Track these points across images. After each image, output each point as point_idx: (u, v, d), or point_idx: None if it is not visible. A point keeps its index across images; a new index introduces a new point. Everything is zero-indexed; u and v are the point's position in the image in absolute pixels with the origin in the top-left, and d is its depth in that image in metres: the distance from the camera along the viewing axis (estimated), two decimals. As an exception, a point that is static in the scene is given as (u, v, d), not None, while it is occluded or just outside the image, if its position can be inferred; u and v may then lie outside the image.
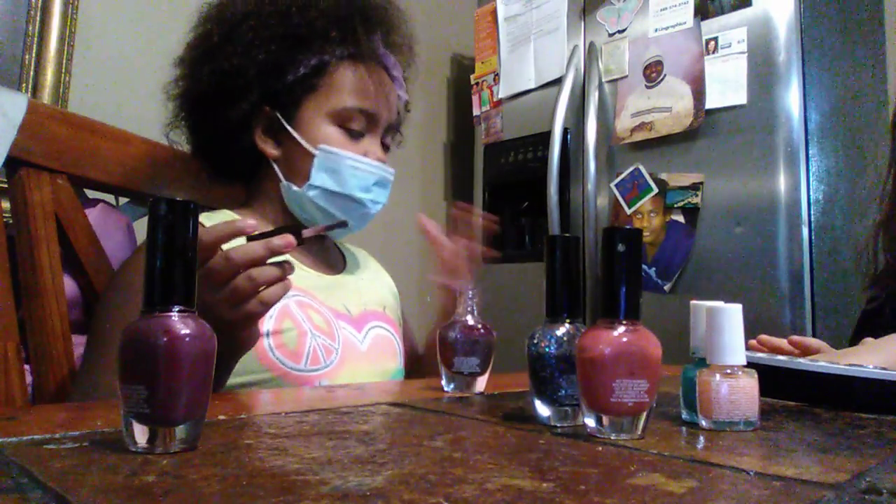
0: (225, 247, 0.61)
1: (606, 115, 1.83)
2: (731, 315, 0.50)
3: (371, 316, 0.94)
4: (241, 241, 0.63)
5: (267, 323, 0.80)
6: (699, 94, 1.63)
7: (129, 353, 0.39)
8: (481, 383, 0.70)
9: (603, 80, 1.85)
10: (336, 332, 0.86)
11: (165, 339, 0.38)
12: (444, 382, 0.70)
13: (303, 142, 0.87)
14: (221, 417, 0.50)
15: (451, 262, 0.88)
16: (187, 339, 0.39)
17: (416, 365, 1.02)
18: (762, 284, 1.50)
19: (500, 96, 2.12)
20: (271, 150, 0.90)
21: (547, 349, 0.51)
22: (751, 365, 0.50)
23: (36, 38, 1.49)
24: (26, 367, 0.84)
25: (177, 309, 0.40)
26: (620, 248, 0.46)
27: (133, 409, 0.38)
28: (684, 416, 0.53)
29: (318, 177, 0.87)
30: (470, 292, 0.71)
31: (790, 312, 1.47)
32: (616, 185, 1.78)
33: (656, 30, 1.74)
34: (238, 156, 0.91)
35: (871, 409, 0.59)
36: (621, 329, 0.45)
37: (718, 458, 0.40)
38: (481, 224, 0.94)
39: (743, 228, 1.55)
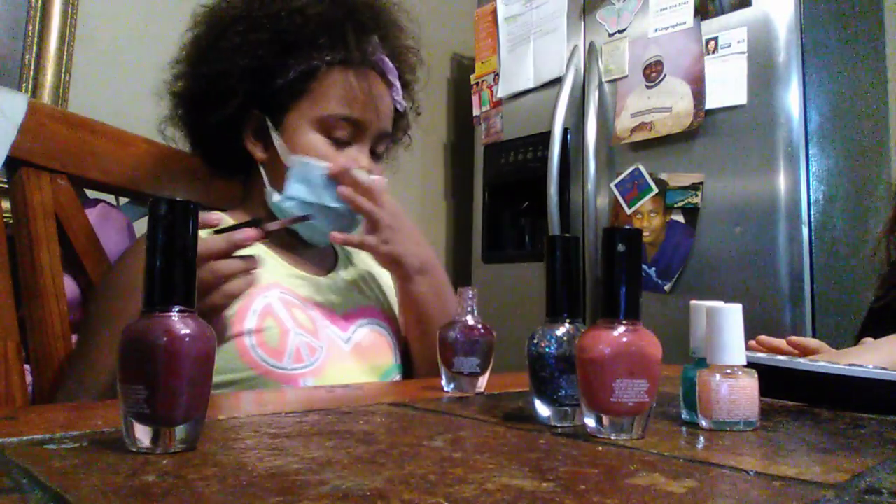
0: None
1: (606, 115, 1.83)
2: (731, 315, 0.50)
3: (361, 313, 0.94)
4: (208, 233, 0.64)
5: (249, 321, 0.79)
6: (699, 94, 1.63)
7: (129, 353, 0.39)
8: (481, 383, 0.70)
9: (603, 80, 1.85)
10: (320, 330, 0.86)
11: (165, 339, 0.38)
12: (444, 382, 0.70)
13: (280, 151, 0.86)
14: (221, 417, 0.50)
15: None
16: (187, 339, 0.39)
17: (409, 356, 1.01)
18: (762, 284, 1.50)
19: (499, 96, 2.12)
20: (260, 153, 0.90)
21: (547, 349, 0.51)
22: (751, 365, 0.50)
23: (36, 38, 1.49)
24: (26, 367, 0.84)
25: (177, 309, 0.40)
26: (620, 248, 0.46)
27: (133, 409, 0.38)
28: (684, 416, 0.53)
29: (293, 187, 0.86)
30: (470, 292, 0.71)
31: (790, 312, 1.47)
32: (616, 185, 1.78)
33: (656, 30, 1.74)
34: (230, 156, 0.92)
35: (871, 409, 0.59)
36: (621, 329, 0.45)
37: (718, 458, 0.40)
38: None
39: (743, 228, 1.55)
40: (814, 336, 1.44)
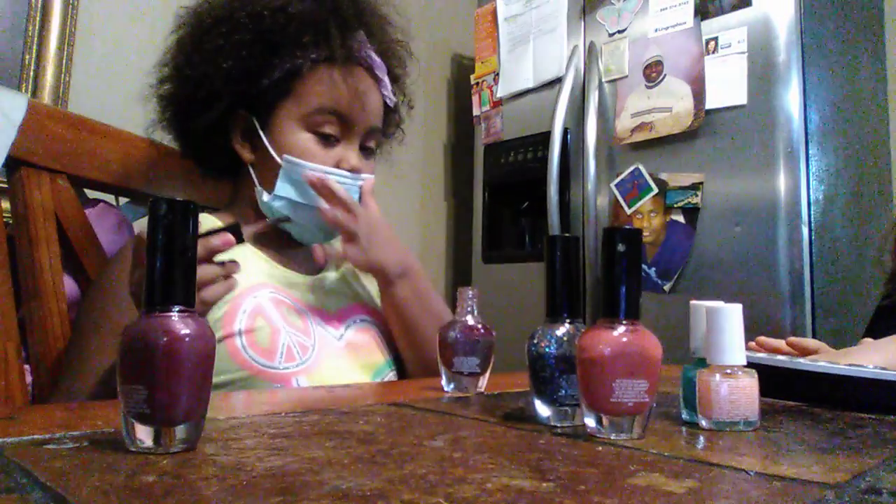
0: None
1: (606, 115, 1.83)
2: (731, 315, 0.50)
3: (353, 311, 0.94)
4: None
5: (239, 321, 0.79)
6: (699, 94, 1.63)
7: (129, 353, 0.39)
8: (481, 383, 0.70)
9: (603, 80, 1.85)
10: (312, 329, 0.86)
11: (165, 339, 0.38)
12: (444, 382, 0.70)
13: (271, 150, 0.86)
14: (221, 417, 0.50)
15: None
16: (187, 339, 0.39)
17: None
18: (762, 284, 1.50)
19: (499, 96, 2.12)
20: (247, 154, 0.90)
21: (547, 349, 0.51)
22: (751, 365, 0.50)
23: (36, 38, 1.49)
24: (26, 367, 0.84)
25: (177, 309, 0.40)
26: (620, 248, 0.46)
27: (133, 409, 0.38)
28: (684, 416, 0.53)
29: (283, 188, 0.86)
30: (470, 292, 0.71)
31: (790, 312, 1.47)
32: (616, 185, 1.78)
33: (656, 30, 1.74)
34: (218, 158, 0.92)
35: (871, 409, 0.59)
36: (621, 329, 0.45)
37: (718, 458, 0.40)
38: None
39: (743, 228, 1.55)
40: (814, 336, 1.44)
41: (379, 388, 0.80)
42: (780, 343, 0.88)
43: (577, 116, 1.88)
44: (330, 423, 0.49)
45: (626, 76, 1.79)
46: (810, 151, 1.53)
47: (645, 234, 1.70)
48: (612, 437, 0.45)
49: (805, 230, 1.49)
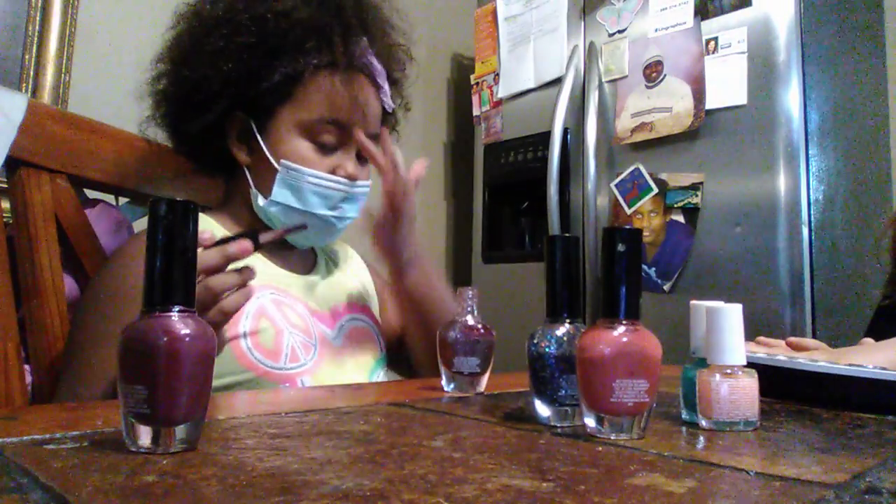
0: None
1: (606, 115, 1.83)
2: (731, 315, 0.50)
3: (345, 310, 0.94)
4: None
5: (244, 324, 0.79)
6: (699, 94, 1.63)
7: (129, 353, 0.39)
8: (481, 383, 0.70)
9: (603, 80, 1.85)
10: (312, 328, 0.86)
11: (165, 339, 0.38)
12: (444, 382, 0.70)
13: (268, 154, 0.85)
14: (221, 417, 0.50)
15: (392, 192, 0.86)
16: (187, 339, 0.39)
17: (404, 347, 1.00)
18: (762, 284, 1.50)
19: (500, 96, 2.12)
20: (244, 156, 0.89)
21: (547, 349, 0.51)
22: (751, 365, 0.50)
23: (36, 38, 1.49)
24: (26, 367, 0.84)
25: (177, 309, 0.40)
26: (620, 248, 0.46)
27: (133, 409, 0.38)
28: (684, 416, 0.53)
29: (280, 193, 0.85)
30: (470, 292, 0.71)
31: (790, 312, 1.47)
32: (616, 185, 1.78)
33: (656, 30, 1.74)
34: (212, 157, 0.91)
35: (871, 409, 0.59)
36: (621, 329, 0.45)
37: (718, 458, 0.40)
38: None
39: (743, 228, 1.55)
40: (814, 336, 1.44)
41: (379, 388, 0.80)
42: (780, 343, 0.88)
43: (577, 116, 1.88)
44: (330, 423, 0.49)
45: (626, 76, 1.79)
46: (810, 151, 1.53)
47: (645, 234, 1.69)
48: (612, 437, 0.45)
49: (805, 230, 1.49)
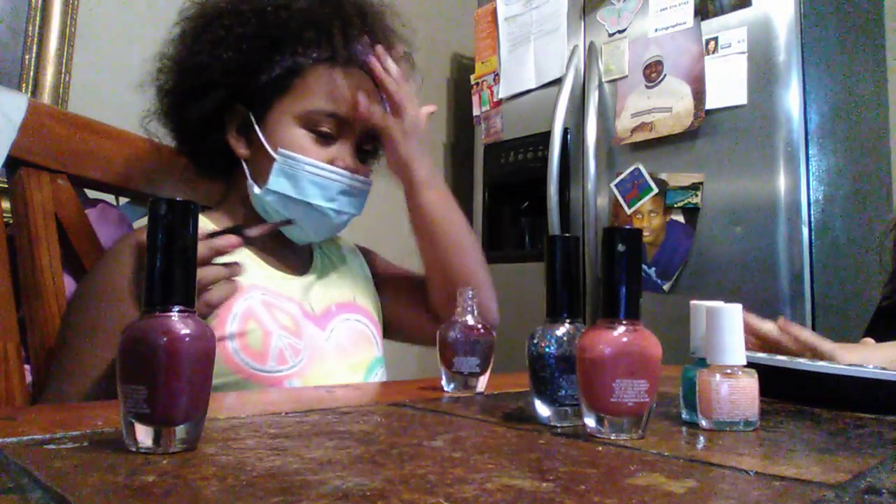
0: None
1: (606, 115, 1.83)
2: (731, 315, 0.50)
3: (338, 310, 0.93)
4: None
5: (231, 325, 0.79)
6: (699, 94, 1.63)
7: (129, 353, 0.39)
8: (481, 383, 0.70)
9: (603, 80, 1.85)
10: (302, 330, 0.86)
11: (165, 339, 0.38)
12: (444, 382, 0.70)
13: (266, 144, 0.85)
14: (221, 417, 0.50)
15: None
16: (187, 339, 0.39)
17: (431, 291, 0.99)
18: (762, 284, 1.50)
19: (500, 96, 2.12)
20: (242, 149, 0.88)
21: (547, 349, 0.51)
22: (751, 365, 0.50)
23: (36, 38, 1.49)
24: (26, 367, 0.84)
25: (177, 309, 0.40)
26: (620, 248, 0.46)
27: (133, 409, 0.38)
28: (684, 416, 0.53)
29: (277, 182, 0.85)
30: (470, 292, 0.71)
31: (790, 312, 1.47)
32: (616, 185, 1.78)
33: (656, 30, 1.74)
34: (213, 153, 0.90)
35: (871, 409, 0.59)
36: (621, 329, 0.45)
37: (718, 458, 0.40)
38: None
39: (743, 228, 1.55)
40: (814, 336, 1.44)
41: (379, 388, 0.80)
42: (771, 326, 0.88)
43: (577, 116, 1.88)
44: (330, 423, 0.49)
45: (626, 76, 1.79)
46: (810, 151, 1.53)
47: (645, 234, 1.70)
48: (612, 437, 0.45)
49: (805, 230, 1.50)
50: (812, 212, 1.51)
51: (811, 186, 1.52)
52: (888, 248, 1.15)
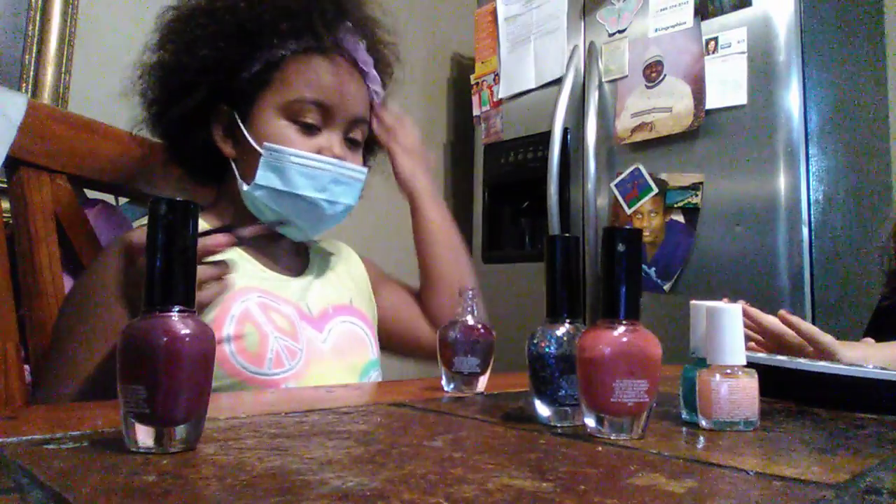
0: None
1: (606, 115, 1.83)
2: (731, 315, 0.50)
3: (335, 312, 0.93)
4: None
5: (227, 327, 0.78)
6: (699, 94, 1.63)
7: (129, 353, 0.39)
8: (481, 383, 0.70)
9: (603, 80, 1.85)
10: (299, 333, 0.85)
11: (165, 339, 0.38)
12: (444, 382, 0.70)
13: (250, 139, 0.84)
14: (221, 417, 0.50)
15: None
16: (187, 339, 0.39)
17: (425, 304, 1.03)
18: (762, 284, 1.50)
19: (500, 96, 2.12)
20: (229, 149, 0.88)
21: (547, 349, 0.51)
22: (751, 365, 0.50)
23: (36, 38, 1.49)
24: (26, 367, 0.84)
25: (177, 309, 0.40)
26: (620, 248, 0.46)
27: (133, 410, 0.38)
28: (684, 416, 0.53)
29: (265, 176, 0.84)
30: (470, 292, 0.71)
31: (790, 312, 1.47)
32: (616, 185, 1.78)
33: (656, 30, 1.74)
34: (202, 157, 0.90)
35: (871, 409, 0.59)
36: (621, 329, 0.45)
37: (718, 458, 0.40)
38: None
39: (743, 228, 1.55)
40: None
41: (379, 388, 0.80)
42: (773, 319, 0.88)
43: (577, 116, 1.88)
44: (330, 423, 0.49)
45: (626, 76, 1.79)
46: (810, 151, 1.53)
47: (645, 234, 1.70)
48: (612, 437, 0.45)
49: (805, 230, 1.49)
50: (812, 212, 1.51)
51: (811, 186, 1.52)
52: (890, 250, 1.15)
